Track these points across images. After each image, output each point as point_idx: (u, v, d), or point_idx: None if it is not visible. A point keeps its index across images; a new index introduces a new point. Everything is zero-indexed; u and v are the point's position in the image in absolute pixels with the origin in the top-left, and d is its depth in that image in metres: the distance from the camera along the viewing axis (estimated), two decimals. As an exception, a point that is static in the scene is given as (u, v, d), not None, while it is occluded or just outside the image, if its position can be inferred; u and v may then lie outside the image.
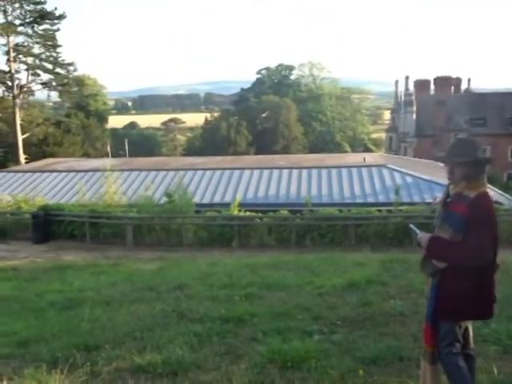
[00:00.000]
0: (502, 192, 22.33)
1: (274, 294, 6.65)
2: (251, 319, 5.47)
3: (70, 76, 45.43)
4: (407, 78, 56.53)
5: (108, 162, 26.07)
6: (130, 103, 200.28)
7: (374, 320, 5.27)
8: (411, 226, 3.65)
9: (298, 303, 6.03)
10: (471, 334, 3.47)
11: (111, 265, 11.42)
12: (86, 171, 25.29)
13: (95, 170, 24.59)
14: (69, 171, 25.66)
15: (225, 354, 4.59)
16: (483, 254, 3.19)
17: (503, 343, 4.38)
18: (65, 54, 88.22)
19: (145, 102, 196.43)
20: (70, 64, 43.95)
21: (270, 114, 69.49)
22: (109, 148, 58.15)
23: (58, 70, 43.92)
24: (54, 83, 44.26)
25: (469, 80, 65.99)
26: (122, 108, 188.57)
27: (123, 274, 9.68)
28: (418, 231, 3.48)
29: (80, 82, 55.63)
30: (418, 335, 4.64)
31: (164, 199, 18.75)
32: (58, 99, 50.06)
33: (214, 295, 6.69)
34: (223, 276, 8.22)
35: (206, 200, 21.39)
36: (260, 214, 17.31)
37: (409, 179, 21.53)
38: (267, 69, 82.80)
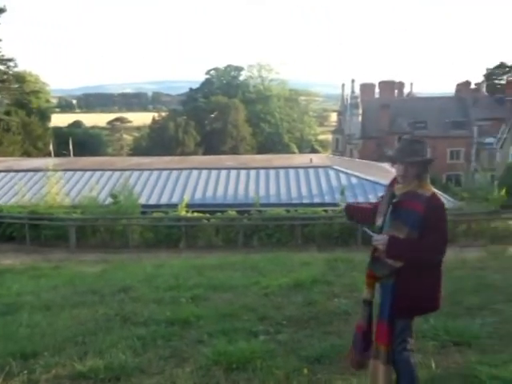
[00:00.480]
0: (441, 193, 23.16)
1: (221, 295, 6.61)
2: (197, 321, 5.41)
3: (10, 72, 43.85)
4: (353, 81, 57.71)
5: (50, 161, 25.26)
6: (74, 101, 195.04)
7: (318, 319, 5.33)
8: (365, 229, 3.60)
9: (244, 304, 6.01)
10: None
11: (52, 268, 11.06)
12: (27, 171, 24.35)
13: (36, 170, 23.74)
14: (7, 171, 24.64)
15: (169, 358, 4.51)
16: (441, 251, 3.32)
17: (441, 338, 4.52)
18: (4, 49, 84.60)
19: (90, 101, 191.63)
20: (10, 60, 42.47)
21: (219, 115, 69.35)
22: (51, 147, 56.29)
23: (-4, 65, 42.25)
24: (-8, 79, 42.56)
25: (411, 84, 68.31)
26: (66, 106, 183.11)
27: (65, 277, 9.38)
28: (372, 234, 3.47)
29: (21, 78, 53.57)
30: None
31: (109, 200, 18.37)
32: (-4, 96, 48.15)
33: (160, 297, 6.58)
34: (169, 278, 8.10)
35: (152, 201, 21.09)
36: (207, 215, 17.23)
37: (354, 180, 21.98)
38: (216, 69, 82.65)
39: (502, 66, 79.95)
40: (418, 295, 3.34)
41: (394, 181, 3.58)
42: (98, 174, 24.20)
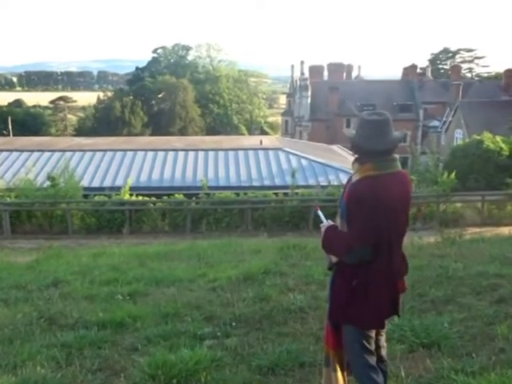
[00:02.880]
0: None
1: (163, 290, 5.93)
2: (134, 323, 4.72)
3: None
4: (302, 62, 57.30)
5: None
6: (14, 79, 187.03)
7: (271, 318, 4.75)
8: (319, 212, 3.11)
9: (189, 301, 5.37)
10: (384, 344, 3.03)
11: (-22, 258, 10.04)
12: (-45, 151, 22.68)
13: (-33, 151, 22.12)
14: None
15: (98, 371, 3.82)
16: (346, 249, 2.77)
17: (408, 341, 4.02)
18: None
19: (32, 79, 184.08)
20: None
21: (167, 95, 67.54)
22: (-12, 126, 53.36)
23: None
24: None
25: (359, 67, 68.71)
26: (5, 84, 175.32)
27: (-10, 268, 8.45)
28: (323, 219, 3.02)
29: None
30: (320, 335, 4.21)
31: (47, 183, 17.22)
32: None
33: (94, 294, 5.84)
34: (107, 269, 7.36)
35: (95, 183, 20.00)
36: (153, 199, 16.45)
37: (304, 162, 21.60)
38: (163, 48, 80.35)
39: (445, 50, 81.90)
40: (349, 300, 2.81)
41: None
42: (36, 154, 22.80)
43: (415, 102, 54.02)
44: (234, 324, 4.60)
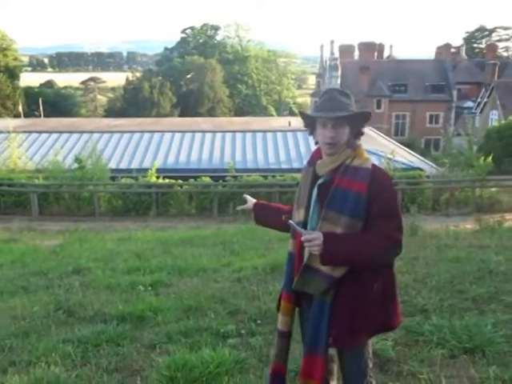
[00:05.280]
0: (422, 158, 22.49)
1: (186, 281, 5.70)
2: (154, 317, 4.50)
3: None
4: (332, 42, 56.15)
5: (11, 122, 23.70)
6: (46, 60, 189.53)
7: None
8: (291, 222, 2.45)
9: (213, 293, 5.12)
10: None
11: (5, 240, 10.02)
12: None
13: (-3, 132, 22.29)
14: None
15: (114, 371, 3.58)
16: (400, 243, 2.38)
17: (449, 345, 3.66)
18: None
19: (63, 60, 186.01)
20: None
21: (195, 76, 67.28)
22: (20, 107, 54.07)
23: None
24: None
25: (391, 47, 66.99)
26: (37, 65, 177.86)
27: (16, 252, 8.36)
28: (302, 230, 2.39)
29: (-16, 34, 50.71)
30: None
31: (75, 165, 17.23)
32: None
33: (115, 283, 5.65)
34: (130, 256, 7.19)
35: (122, 165, 19.99)
36: (180, 181, 16.28)
37: (334, 144, 21.13)
38: (192, 28, 79.90)
39: (481, 29, 79.14)
40: (370, 312, 2.39)
41: (315, 156, 2.58)
42: (64, 136, 22.92)
43: (448, 82, 52.43)
44: (259, 321, 4.33)
